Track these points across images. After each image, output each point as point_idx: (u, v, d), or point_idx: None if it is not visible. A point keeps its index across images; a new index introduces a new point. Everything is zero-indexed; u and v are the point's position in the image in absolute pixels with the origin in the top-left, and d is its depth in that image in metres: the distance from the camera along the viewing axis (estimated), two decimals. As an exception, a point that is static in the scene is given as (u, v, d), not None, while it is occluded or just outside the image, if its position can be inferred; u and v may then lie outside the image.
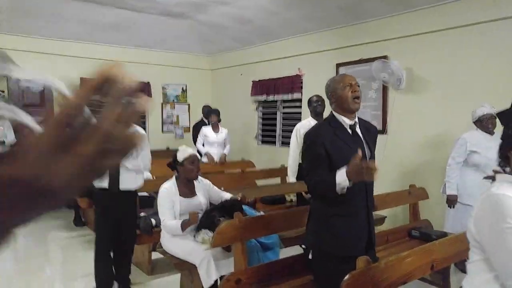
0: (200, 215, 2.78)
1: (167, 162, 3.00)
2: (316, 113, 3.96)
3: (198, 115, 7.19)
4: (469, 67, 4.03)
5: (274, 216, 2.80)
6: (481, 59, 3.94)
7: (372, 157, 2.05)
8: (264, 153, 6.77)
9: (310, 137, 2.05)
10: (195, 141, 5.99)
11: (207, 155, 5.42)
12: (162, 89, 7.36)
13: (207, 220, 2.75)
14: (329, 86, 2.12)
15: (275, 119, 6.68)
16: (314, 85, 5.43)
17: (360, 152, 1.74)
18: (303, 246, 2.99)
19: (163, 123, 7.41)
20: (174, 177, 2.93)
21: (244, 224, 2.49)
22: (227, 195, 3.06)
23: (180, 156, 2.86)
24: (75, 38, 6.35)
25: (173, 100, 7.49)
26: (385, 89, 4.80)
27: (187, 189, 2.89)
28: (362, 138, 2.04)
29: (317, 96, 4.08)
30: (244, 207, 2.98)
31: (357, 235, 1.99)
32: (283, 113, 6.59)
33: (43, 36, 6.11)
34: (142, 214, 3.43)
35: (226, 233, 2.40)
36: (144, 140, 3.02)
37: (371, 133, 2.13)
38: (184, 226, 2.68)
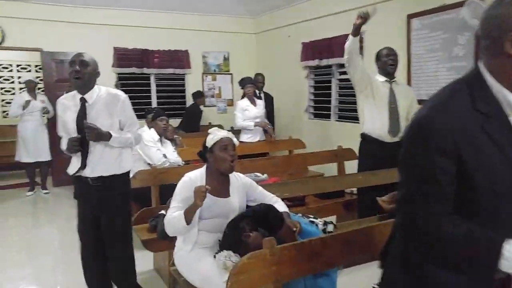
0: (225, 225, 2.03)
1: (198, 152, 2.26)
2: (386, 72, 3.11)
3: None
4: None
5: (336, 239, 1.81)
6: None
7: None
8: (316, 130, 5.85)
9: (427, 125, 0.97)
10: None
11: (259, 123, 4.63)
12: (202, 57, 6.64)
13: (232, 234, 1.97)
14: (499, 15, 0.95)
15: (330, 88, 5.68)
16: (378, 44, 4.35)
17: None
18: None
19: (204, 96, 6.74)
20: (205, 167, 2.18)
21: (280, 257, 1.57)
22: (278, 204, 2.23)
23: (209, 141, 2.12)
24: (105, 4, 5.78)
25: (214, 70, 6.76)
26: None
27: (218, 186, 2.11)
28: None
29: (389, 49, 3.15)
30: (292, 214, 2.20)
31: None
32: (340, 80, 5.57)
33: (72, 4, 5.61)
34: (162, 211, 2.77)
35: (247, 273, 1.50)
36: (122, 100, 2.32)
37: None
38: (188, 213, 1.92)
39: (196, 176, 2.11)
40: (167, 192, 2.70)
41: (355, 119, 5.32)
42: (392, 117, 3.10)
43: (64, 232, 4.00)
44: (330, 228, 2.56)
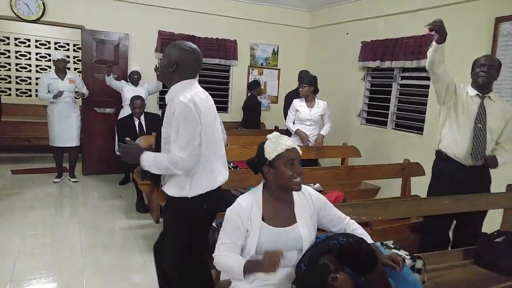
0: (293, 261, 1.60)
1: (248, 160, 1.78)
2: (477, 84, 2.64)
3: (289, 83, 5.95)
4: None
5: None
6: None
7: None
8: (368, 137, 5.32)
9: None
10: (286, 116, 4.78)
11: (299, 133, 4.18)
12: (250, 49, 6.18)
13: (312, 274, 1.50)
14: None
15: (389, 92, 5.13)
16: (457, 50, 3.80)
17: None
18: None
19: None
20: (261, 185, 1.72)
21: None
22: (356, 228, 1.78)
23: (270, 151, 1.63)
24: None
25: (262, 63, 6.29)
26: None
27: (281, 212, 1.66)
28: None
29: (486, 57, 2.68)
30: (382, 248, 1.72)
31: None
32: (401, 85, 5.02)
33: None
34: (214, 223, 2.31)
35: None
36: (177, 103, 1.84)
37: None
38: (248, 270, 1.49)
39: (250, 204, 1.63)
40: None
41: (417, 129, 4.79)
42: (476, 139, 2.63)
43: (86, 226, 3.63)
44: (419, 264, 2.08)
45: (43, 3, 4.87)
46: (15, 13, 4.78)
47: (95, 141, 5.41)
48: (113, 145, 5.07)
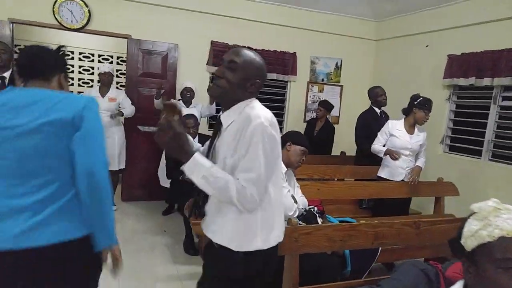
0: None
1: (452, 241, 1.03)
2: None
3: (352, 102, 5.18)
4: None
5: None
6: None
7: None
8: (454, 168, 4.40)
9: None
10: (358, 139, 4.01)
11: (389, 152, 3.31)
12: (310, 63, 5.48)
13: None
14: None
15: (484, 115, 4.24)
16: None
17: None
18: None
19: (306, 110, 5.56)
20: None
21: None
22: None
23: (470, 235, 0.93)
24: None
25: (323, 79, 5.56)
26: None
27: None
28: None
29: None
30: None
31: None
32: (502, 107, 4.12)
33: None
34: None
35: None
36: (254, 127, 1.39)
37: None
38: None
39: None
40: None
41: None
42: None
43: (126, 272, 2.95)
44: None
45: (89, 10, 4.41)
46: (57, 21, 4.33)
47: (137, 163, 4.81)
48: (157, 167, 4.47)
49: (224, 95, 1.41)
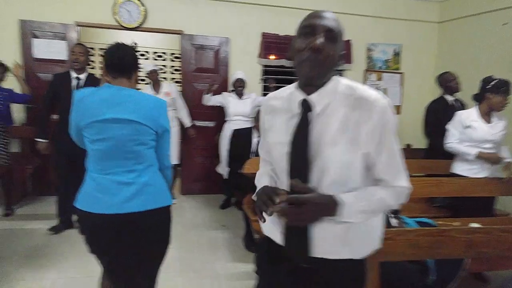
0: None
1: None
2: None
3: (415, 90, 4.86)
4: None
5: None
6: None
7: None
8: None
9: None
10: (429, 133, 3.74)
11: (486, 156, 2.90)
12: (366, 50, 5.22)
13: None
14: None
15: None
16: None
17: None
18: None
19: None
20: None
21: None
22: None
23: None
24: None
25: (380, 67, 5.28)
26: None
27: None
28: None
29: None
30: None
31: None
32: None
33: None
34: None
35: None
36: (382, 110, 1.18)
37: None
38: None
39: None
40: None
41: None
42: None
43: (187, 267, 3.00)
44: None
45: (145, 9, 4.52)
46: (116, 21, 4.48)
47: (195, 157, 4.90)
48: (213, 162, 4.52)
49: (327, 72, 1.12)
